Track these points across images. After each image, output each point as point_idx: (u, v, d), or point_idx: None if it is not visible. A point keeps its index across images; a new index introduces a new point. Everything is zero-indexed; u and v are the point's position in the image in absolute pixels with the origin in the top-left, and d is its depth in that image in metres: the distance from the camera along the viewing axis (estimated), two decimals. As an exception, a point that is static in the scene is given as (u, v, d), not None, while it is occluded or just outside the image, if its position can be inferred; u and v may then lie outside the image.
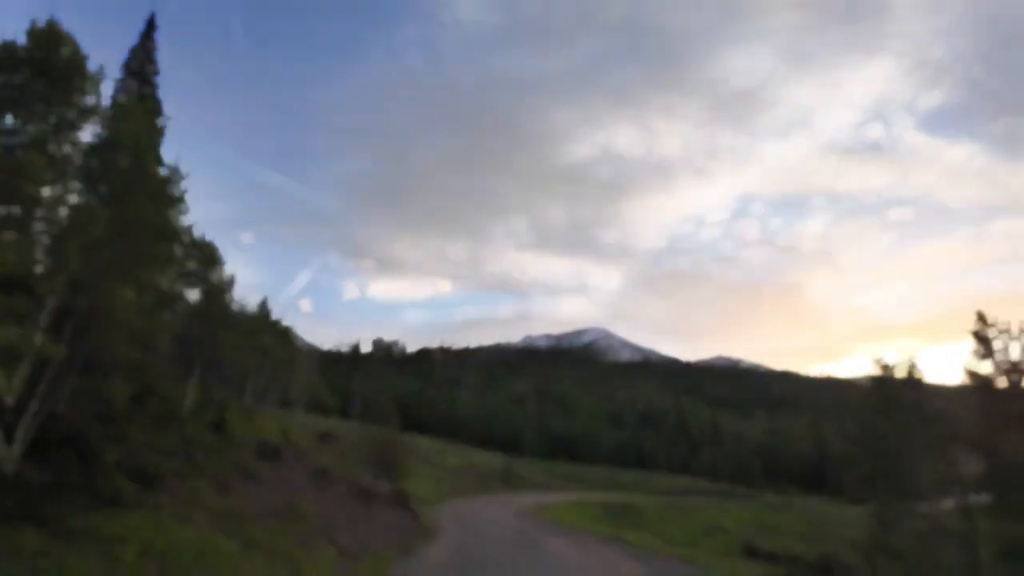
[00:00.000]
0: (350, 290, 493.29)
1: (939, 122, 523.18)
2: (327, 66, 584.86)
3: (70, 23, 13.82)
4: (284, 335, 46.95)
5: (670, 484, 75.80)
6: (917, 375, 22.00)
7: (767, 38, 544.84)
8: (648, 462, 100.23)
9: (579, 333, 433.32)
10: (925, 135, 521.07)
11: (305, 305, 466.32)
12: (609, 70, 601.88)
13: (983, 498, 20.45)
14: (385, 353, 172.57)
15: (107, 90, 14.07)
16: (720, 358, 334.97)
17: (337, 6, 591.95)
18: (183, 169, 16.14)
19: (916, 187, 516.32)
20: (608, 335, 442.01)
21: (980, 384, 20.36)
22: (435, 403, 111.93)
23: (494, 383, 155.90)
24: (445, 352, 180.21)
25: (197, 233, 22.94)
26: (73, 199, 13.16)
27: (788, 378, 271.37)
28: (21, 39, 12.06)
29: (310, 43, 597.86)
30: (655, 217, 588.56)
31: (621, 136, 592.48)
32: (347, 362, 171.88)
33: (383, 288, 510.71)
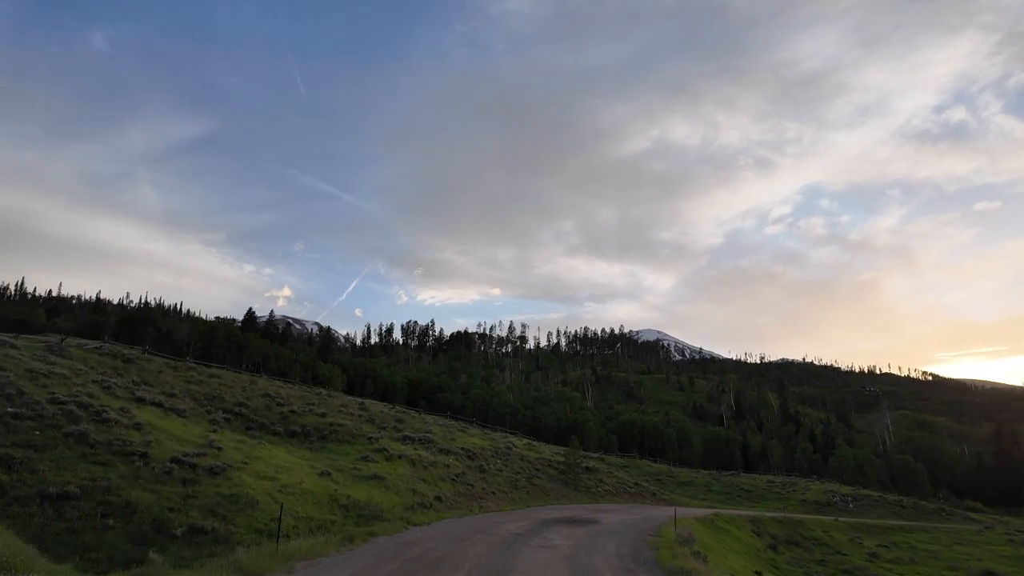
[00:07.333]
0: (399, 296, 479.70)
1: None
2: (372, 70, 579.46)
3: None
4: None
5: (822, 492, 49.04)
6: None
7: (836, 19, 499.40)
8: (757, 463, 73.28)
9: (632, 336, 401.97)
10: (1015, 118, 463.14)
11: (357, 312, 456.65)
12: (663, 61, 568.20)
13: None
14: (419, 339, 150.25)
15: None
16: (785, 360, 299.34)
17: (383, 7, 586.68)
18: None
19: (1004, 175, 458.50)
20: (663, 337, 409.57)
21: None
22: (468, 387, 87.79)
23: (543, 370, 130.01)
24: (485, 338, 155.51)
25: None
26: None
27: (876, 378, 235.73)
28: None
29: (355, 47, 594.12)
30: (713, 214, 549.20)
31: (676, 130, 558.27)
32: (378, 348, 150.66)
33: (431, 295, 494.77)
